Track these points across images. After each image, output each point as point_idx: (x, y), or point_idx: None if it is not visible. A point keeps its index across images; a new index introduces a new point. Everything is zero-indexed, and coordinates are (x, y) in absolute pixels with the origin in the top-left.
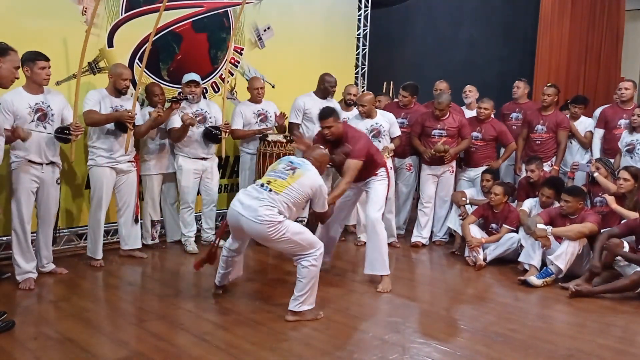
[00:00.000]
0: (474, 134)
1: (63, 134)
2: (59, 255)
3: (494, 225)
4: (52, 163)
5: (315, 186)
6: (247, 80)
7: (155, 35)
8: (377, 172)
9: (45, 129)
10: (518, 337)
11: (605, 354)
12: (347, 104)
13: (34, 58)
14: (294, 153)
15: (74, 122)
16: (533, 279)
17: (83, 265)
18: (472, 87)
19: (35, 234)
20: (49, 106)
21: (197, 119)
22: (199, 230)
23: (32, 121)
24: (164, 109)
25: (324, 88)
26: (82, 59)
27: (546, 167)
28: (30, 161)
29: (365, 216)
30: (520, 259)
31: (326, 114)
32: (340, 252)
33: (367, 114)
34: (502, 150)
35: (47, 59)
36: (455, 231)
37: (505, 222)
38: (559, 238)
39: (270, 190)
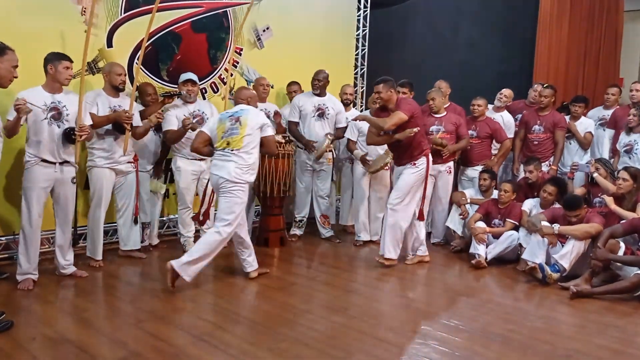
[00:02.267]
0: (469, 132)
1: (69, 134)
2: None
3: (496, 221)
4: (66, 162)
5: (260, 120)
6: (246, 80)
7: (154, 36)
8: (415, 160)
9: (59, 127)
10: (516, 337)
11: (603, 354)
12: (344, 104)
13: (59, 58)
14: (293, 153)
15: (79, 123)
16: (546, 267)
17: (82, 265)
18: (509, 91)
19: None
20: (64, 106)
21: (195, 119)
22: (197, 231)
23: (44, 119)
24: (157, 103)
25: (311, 81)
26: (84, 60)
27: (544, 168)
28: (44, 160)
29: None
30: (524, 256)
31: (379, 80)
32: (339, 252)
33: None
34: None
35: (71, 60)
36: (454, 231)
37: (508, 217)
38: (562, 238)
39: (233, 150)
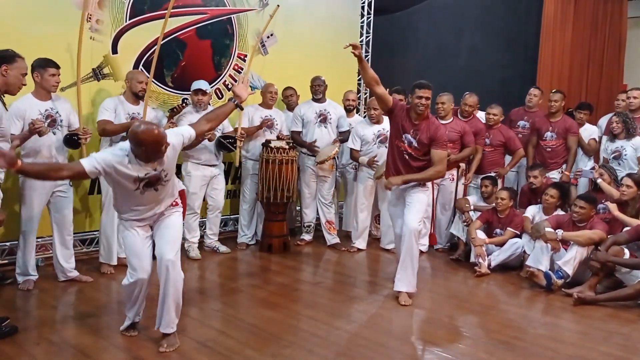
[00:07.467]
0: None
1: (72, 139)
2: None
3: (498, 230)
4: None
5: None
6: (250, 87)
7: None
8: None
9: (54, 134)
10: (520, 344)
11: None
12: (347, 110)
13: (44, 65)
14: (296, 159)
15: (80, 127)
16: (553, 276)
17: (86, 270)
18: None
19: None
20: (57, 112)
21: None
22: (202, 237)
23: None
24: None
25: (311, 88)
26: (78, 67)
27: (557, 174)
28: None
29: (402, 225)
30: (527, 262)
31: (428, 84)
32: (341, 259)
33: (377, 120)
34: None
35: (57, 67)
36: (458, 238)
37: (509, 226)
38: (565, 244)
39: None
